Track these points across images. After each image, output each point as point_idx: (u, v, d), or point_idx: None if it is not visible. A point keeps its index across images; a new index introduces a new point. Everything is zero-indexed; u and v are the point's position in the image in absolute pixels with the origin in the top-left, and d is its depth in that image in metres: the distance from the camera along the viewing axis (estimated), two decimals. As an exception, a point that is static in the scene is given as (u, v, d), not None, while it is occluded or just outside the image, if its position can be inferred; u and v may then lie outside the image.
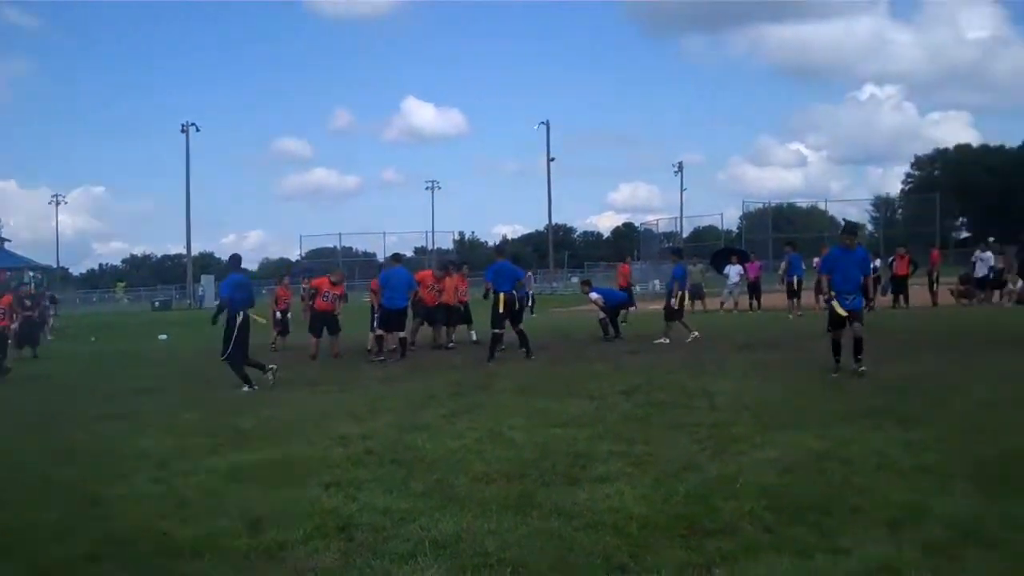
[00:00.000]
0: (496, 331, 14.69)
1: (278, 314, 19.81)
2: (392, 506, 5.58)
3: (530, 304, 31.71)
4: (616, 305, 18.90)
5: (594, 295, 18.79)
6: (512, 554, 4.54)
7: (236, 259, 13.56)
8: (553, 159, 76.40)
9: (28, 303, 20.90)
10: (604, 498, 5.57)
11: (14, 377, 15.28)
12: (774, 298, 26.67)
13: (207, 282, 62.55)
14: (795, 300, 23.30)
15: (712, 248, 40.12)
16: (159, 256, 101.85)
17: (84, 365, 17.67)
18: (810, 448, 6.76)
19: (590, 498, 5.58)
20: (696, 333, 16.92)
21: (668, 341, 16.60)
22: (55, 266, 73.86)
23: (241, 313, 12.18)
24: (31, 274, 54.24)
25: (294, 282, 20.69)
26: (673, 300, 17.36)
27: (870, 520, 4.89)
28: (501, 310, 14.54)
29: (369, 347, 16.59)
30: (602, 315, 18.42)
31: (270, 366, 12.42)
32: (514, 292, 14.99)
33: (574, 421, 8.40)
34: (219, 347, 12.11)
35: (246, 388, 11.91)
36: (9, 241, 66.97)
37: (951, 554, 4.31)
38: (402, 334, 15.94)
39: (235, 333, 12.06)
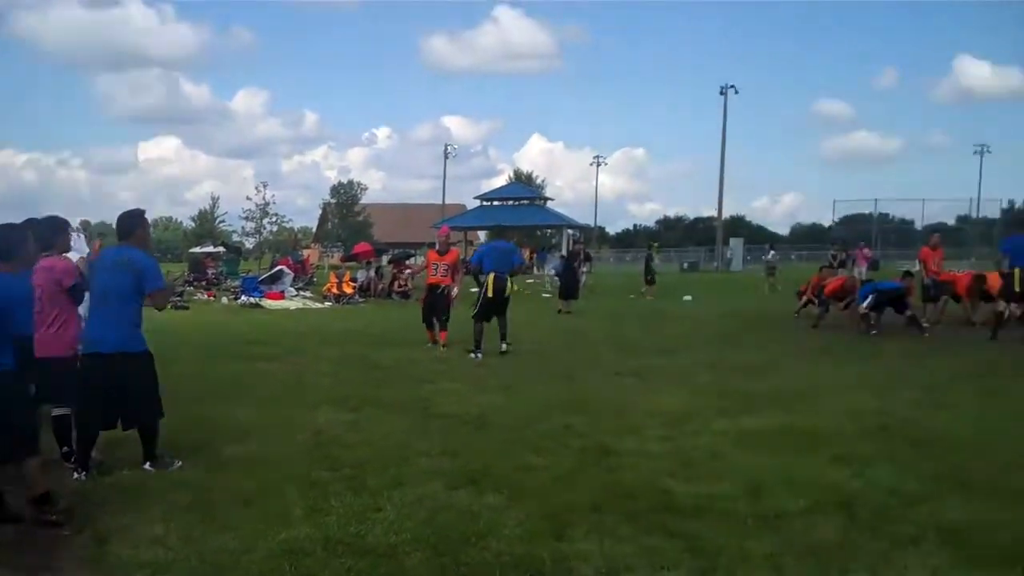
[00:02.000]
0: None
1: None
2: (900, 487, 5.29)
3: None
4: None
5: None
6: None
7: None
8: None
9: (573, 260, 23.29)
10: None
11: (555, 329, 16.48)
12: None
13: (735, 245, 63.18)
14: None
15: None
16: (691, 218, 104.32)
17: (610, 322, 18.38)
18: None
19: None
20: None
21: None
22: (593, 225, 79.53)
23: None
24: (570, 232, 59.41)
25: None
26: None
27: None
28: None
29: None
30: None
31: None
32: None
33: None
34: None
35: None
36: (552, 200, 72.28)
37: None
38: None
39: None
